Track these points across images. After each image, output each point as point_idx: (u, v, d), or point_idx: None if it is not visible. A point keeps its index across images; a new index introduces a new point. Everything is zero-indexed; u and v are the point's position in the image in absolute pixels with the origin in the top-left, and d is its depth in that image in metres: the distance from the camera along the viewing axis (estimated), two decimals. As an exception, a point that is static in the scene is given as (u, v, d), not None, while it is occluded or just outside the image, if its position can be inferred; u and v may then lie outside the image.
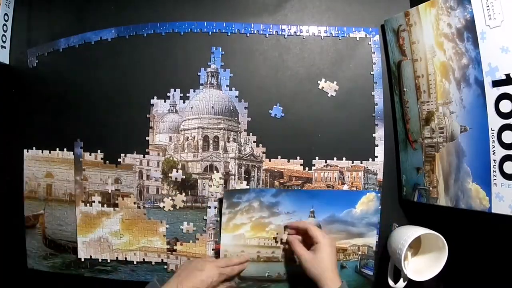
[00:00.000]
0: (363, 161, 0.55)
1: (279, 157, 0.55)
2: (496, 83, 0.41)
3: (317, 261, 0.47)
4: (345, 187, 0.55)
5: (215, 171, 0.56)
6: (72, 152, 0.55)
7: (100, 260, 0.56)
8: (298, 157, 0.55)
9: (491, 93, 0.41)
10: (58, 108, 0.55)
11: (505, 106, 0.40)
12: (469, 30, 0.43)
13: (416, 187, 0.53)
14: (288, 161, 0.55)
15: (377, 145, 0.56)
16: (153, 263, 0.56)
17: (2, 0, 0.52)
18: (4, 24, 0.53)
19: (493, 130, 0.42)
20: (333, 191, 0.54)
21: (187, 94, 0.55)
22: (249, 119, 0.55)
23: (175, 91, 0.55)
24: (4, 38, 0.54)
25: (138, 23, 0.55)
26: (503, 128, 0.41)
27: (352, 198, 0.53)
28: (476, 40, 0.42)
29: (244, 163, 0.56)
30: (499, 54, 0.40)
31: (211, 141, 0.56)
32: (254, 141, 0.55)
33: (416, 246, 0.55)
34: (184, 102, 0.55)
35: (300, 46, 0.55)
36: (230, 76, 0.55)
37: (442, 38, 0.46)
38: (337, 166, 0.56)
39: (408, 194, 0.55)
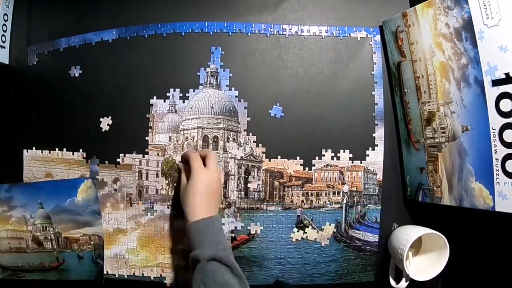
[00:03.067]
0: (362, 161, 0.57)
1: (279, 157, 0.56)
2: (496, 82, 0.42)
3: (186, 195, 0.47)
4: (345, 187, 0.56)
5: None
6: (71, 153, 0.57)
7: (117, 276, 0.56)
8: (298, 157, 0.56)
9: (491, 92, 0.43)
10: (57, 108, 0.57)
11: (505, 105, 0.42)
12: (467, 29, 0.44)
13: (420, 187, 0.54)
14: (288, 161, 0.56)
15: (376, 145, 0.57)
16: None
17: (1, 0, 0.53)
18: (4, 24, 0.55)
19: (494, 129, 0.43)
20: (54, 181, 0.56)
21: (187, 94, 0.57)
22: (249, 119, 0.56)
23: (174, 91, 0.56)
24: (3, 38, 0.55)
25: (139, 24, 0.56)
26: (504, 127, 0.42)
27: (71, 186, 0.55)
28: (475, 39, 0.43)
29: (243, 163, 0.57)
30: (498, 53, 0.41)
31: (210, 141, 0.57)
32: (254, 141, 0.57)
33: (417, 245, 0.56)
34: (183, 102, 0.56)
35: (299, 46, 0.57)
36: (229, 76, 0.57)
37: (440, 38, 0.48)
38: (337, 166, 0.57)
39: (412, 194, 0.56)
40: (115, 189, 0.56)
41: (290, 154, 0.56)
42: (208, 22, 0.56)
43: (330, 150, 0.56)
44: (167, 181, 0.56)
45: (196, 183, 0.47)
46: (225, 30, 0.56)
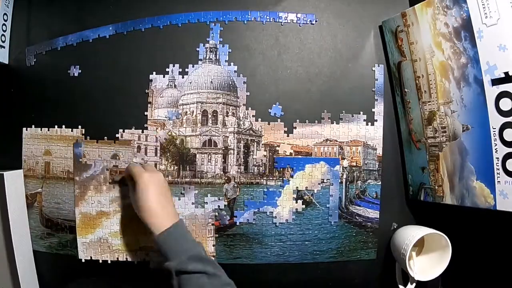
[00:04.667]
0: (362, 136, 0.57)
1: (279, 131, 0.57)
2: (495, 81, 0.43)
3: (138, 202, 0.46)
4: (345, 162, 0.56)
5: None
6: (70, 129, 0.56)
7: (100, 262, 0.56)
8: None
9: (491, 92, 0.44)
10: (57, 90, 0.57)
11: (505, 104, 0.42)
12: (466, 29, 0.45)
13: (422, 187, 0.55)
14: (288, 136, 0.57)
15: (376, 120, 0.58)
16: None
17: (1, 0, 0.54)
18: (4, 24, 0.55)
19: (495, 128, 0.44)
20: None
21: (186, 69, 0.57)
22: (248, 93, 0.57)
23: (174, 66, 0.57)
24: (3, 38, 0.56)
25: (135, 18, 0.57)
26: (504, 126, 0.43)
27: None
28: (474, 39, 0.44)
29: (243, 137, 0.57)
30: (497, 52, 0.42)
31: (210, 116, 0.57)
32: (253, 115, 0.57)
33: (419, 245, 0.56)
34: (183, 77, 0.57)
35: (296, 30, 0.58)
36: (228, 52, 0.57)
37: (439, 37, 0.49)
38: (337, 141, 0.57)
39: (414, 194, 0.57)
40: (95, 171, 0.56)
41: (290, 128, 0.57)
42: (204, 12, 0.57)
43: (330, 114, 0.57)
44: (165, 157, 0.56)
45: (144, 184, 0.46)
46: (221, 19, 0.57)
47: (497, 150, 0.43)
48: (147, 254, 0.56)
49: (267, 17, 0.57)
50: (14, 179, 0.54)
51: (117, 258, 0.56)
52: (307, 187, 0.56)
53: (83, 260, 0.56)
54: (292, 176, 0.56)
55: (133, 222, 0.55)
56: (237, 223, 0.56)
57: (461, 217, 0.52)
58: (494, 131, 0.44)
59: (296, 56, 0.57)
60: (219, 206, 0.56)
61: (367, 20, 0.58)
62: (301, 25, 0.57)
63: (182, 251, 0.44)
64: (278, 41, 0.58)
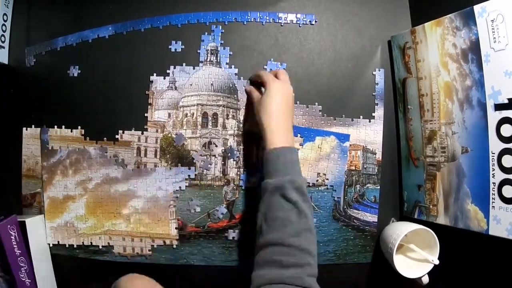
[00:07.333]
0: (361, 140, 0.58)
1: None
2: (499, 107, 0.44)
3: (263, 105, 0.47)
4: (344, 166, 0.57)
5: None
6: (70, 130, 0.57)
7: (67, 246, 0.58)
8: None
9: (493, 117, 0.44)
10: (56, 90, 0.58)
11: (506, 130, 0.43)
12: (473, 51, 0.45)
13: (417, 204, 0.56)
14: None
15: (376, 124, 0.58)
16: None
17: (1, 0, 0.54)
18: (3, 24, 0.56)
19: (494, 153, 0.44)
20: None
21: (187, 71, 0.57)
22: None
23: (174, 68, 0.57)
24: (3, 38, 0.56)
25: (135, 19, 0.57)
26: (503, 152, 0.44)
27: None
28: (480, 62, 0.44)
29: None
30: (503, 77, 0.43)
31: (210, 118, 0.58)
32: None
33: (414, 241, 0.55)
34: (183, 79, 0.57)
35: (299, 46, 0.58)
36: (229, 54, 0.58)
37: (447, 58, 0.49)
38: None
39: (408, 211, 0.58)
40: (61, 156, 0.56)
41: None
42: (203, 12, 0.57)
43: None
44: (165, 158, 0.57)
45: (272, 94, 0.47)
46: (221, 20, 0.57)
47: (494, 175, 0.44)
48: (110, 238, 0.57)
49: (267, 18, 0.57)
50: (35, 225, 0.55)
51: (83, 242, 0.57)
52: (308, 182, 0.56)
53: (51, 245, 0.57)
54: (301, 145, 0.57)
55: (97, 206, 0.56)
56: (243, 187, 0.57)
57: (452, 238, 0.53)
58: (493, 156, 0.44)
59: (296, 57, 0.57)
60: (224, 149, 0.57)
61: (367, 21, 0.58)
62: (301, 25, 0.57)
63: (286, 175, 0.42)
64: (278, 42, 0.57)
